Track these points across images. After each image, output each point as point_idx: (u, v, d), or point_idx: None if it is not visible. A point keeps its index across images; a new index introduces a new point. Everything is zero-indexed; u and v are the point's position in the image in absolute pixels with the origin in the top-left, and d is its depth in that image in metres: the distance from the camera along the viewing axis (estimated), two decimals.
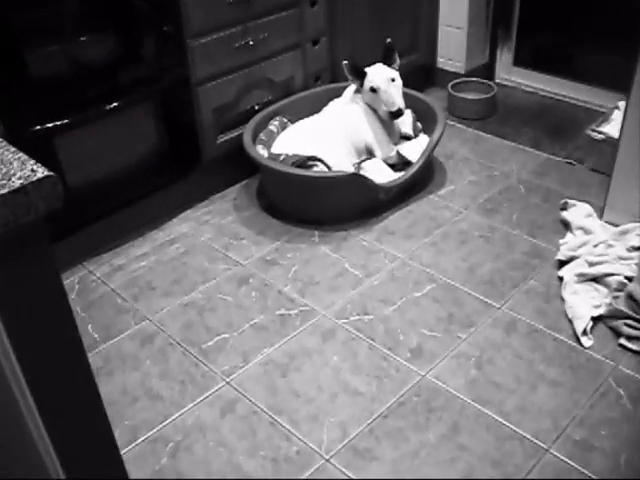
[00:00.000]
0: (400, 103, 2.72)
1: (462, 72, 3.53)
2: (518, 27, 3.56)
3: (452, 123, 3.35)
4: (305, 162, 2.51)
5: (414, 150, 2.75)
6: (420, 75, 3.56)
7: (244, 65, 2.68)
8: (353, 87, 2.84)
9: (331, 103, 2.88)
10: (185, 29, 2.44)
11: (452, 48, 3.51)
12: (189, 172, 2.70)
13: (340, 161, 2.63)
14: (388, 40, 2.78)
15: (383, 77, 2.71)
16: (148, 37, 2.40)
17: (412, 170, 2.65)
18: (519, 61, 3.63)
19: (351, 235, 2.59)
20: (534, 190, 2.81)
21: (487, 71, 3.66)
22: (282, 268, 2.45)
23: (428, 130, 2.90)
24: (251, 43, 2.64)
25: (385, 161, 2.78)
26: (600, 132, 2.82)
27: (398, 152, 2.76)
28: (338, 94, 2.91)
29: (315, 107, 2.88)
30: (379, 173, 2.69)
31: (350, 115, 2.77)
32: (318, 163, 2.52)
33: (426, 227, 2.62)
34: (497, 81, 3.68)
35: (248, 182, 2.91)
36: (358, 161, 2.74)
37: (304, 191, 2.57)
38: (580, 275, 2.26)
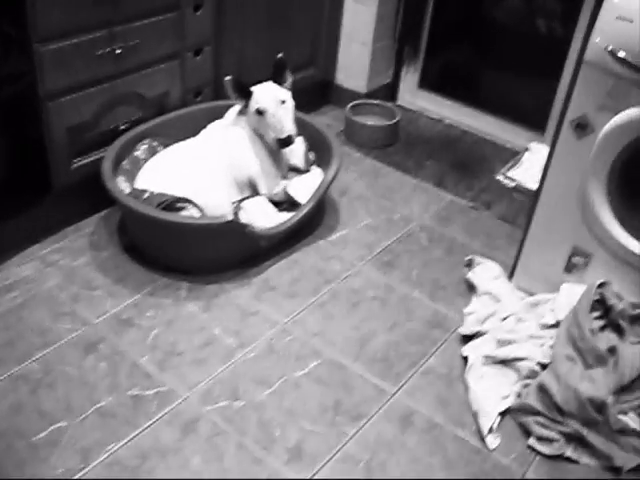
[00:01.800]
0: (291, 129, 2.34)
1: (363, 92, 3.19)
2: (427, 46, 3.25)
3: (348, 150, 3.00)
4: (173, 203, 2.09)
5: (304, 188, 2.38)
6: (316, 91, 3.20)
7: (108, 77, 2.23)
8: (237, 108, 2.44)
9: (211, 125, 2.47)
10: (32, 31, 1.97)
11: (354, 65, 3.16)
12: (35, 202, 2.23)
13: (216, 201, 2.24)
14: (279, 55, 2.40)
15: (272, 98, 2.33)
16: None
17: (299, 214, 2.29)
18: (425, 84, 3.33)
19: (225, 290, 2.20)
20: (437, 240, 2.51)
21: (390, 92, 3.34)
22: (140, 331, 2.04)
23: (322, 162, 2.54)
24: (118, 51, 2.20)
25: (270, 198, 2.39)
26: (510, 178, 2.54)
27: (285, 191, 2.38)
28: (221, 114, 2.50)
29: (193, 128, 2.47)
30: (262, 215, 2.32)
31: (232, 141, 2.38)
32: (188, 205, 2.11)
33: (313, 283, 2.26)
34: (399, 103, 3.37)
35: (109, 213, 2.47)
36: (239, 199, 2.34)
37: (171, 237, 2.16)
38: (487, 357, 1.97)
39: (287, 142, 2.34)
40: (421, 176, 2.84)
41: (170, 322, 2.07)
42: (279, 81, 2.41)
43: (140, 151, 2.33)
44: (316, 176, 2.48)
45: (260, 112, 2.33)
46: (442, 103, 3.28)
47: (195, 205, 2.13)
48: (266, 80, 2.42)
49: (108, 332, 2.02)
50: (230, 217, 2.13)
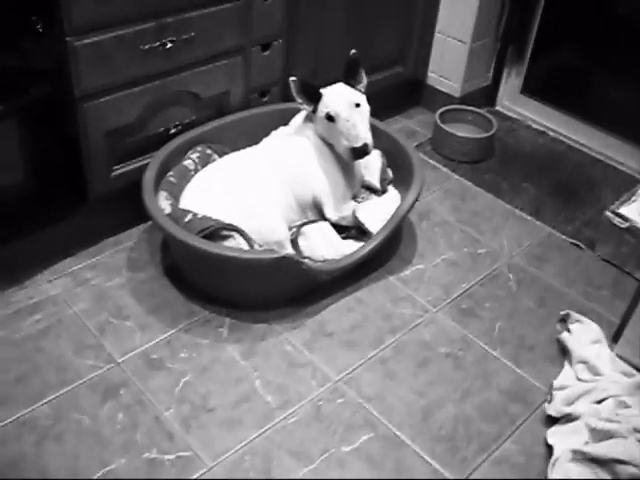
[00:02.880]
0: (367, 137, 2.00)
1: (457, 95, 2.80)
2: (534, 45, 2.82)
3: (434, 163, 2.63)
4: (218, 230, 1.79)
5: (376, 215, 2.04)
6: (404, 92, 2.84)
7: (157, 74, 1.95)
8: (304, 113, 2.11)
9: (274, 132, 2.16)
10: (65, 22, 1.69)
11: (448, 64, 2.77)
12: (70, 213, 1.98)
13: (272, 225, 1.93)
14: (353, 52, 2.05)
15: (344, 101, 1.99)
16: (9, 32, 1.64)
17: (368, 247, 1.96)
18: (529, 89, 2.91)
19: (273, 332, 1.90)
20: (527, 284, 2.12)
21: (487, 96, 2.93)
22: (169, 376, 1.76)
23: (400, 182, 2.20)
24: (169, 45, 1.90)
25: (336, 222, 2.06)
26: (623, 217, 2.12)
27: (355, 215, 2.04)
28: (290, 118, 2.19)
29: (255, 134, 2.17)
30: (324, 244, 1.99)
31: (296, 153, 2.06)
32: (235, 234, 1.80)
33: (376, 331, 1.93)
34: (498, 109, 2.96)
35: (154, 225, 2.18)
36: (299, 223, 2.02)
37: (214, 268, 1.86)
38: (577, 452, 1.60)
39: (363, 152, 1.99)
40: (516, 202, 2.45)
41: (205, 368, 1.78)
42: (352, 82, 2.07)
43: (190, 160, 2.03)
44: (392, 200, 2.13)
45: (331, 117, 1.99)
46: (547, 112, 2.85)
47: (242, 234, 1.82)
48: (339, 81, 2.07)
49: (133, 374, 1.75)
50: (284, 251, 1.81)
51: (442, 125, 2.62)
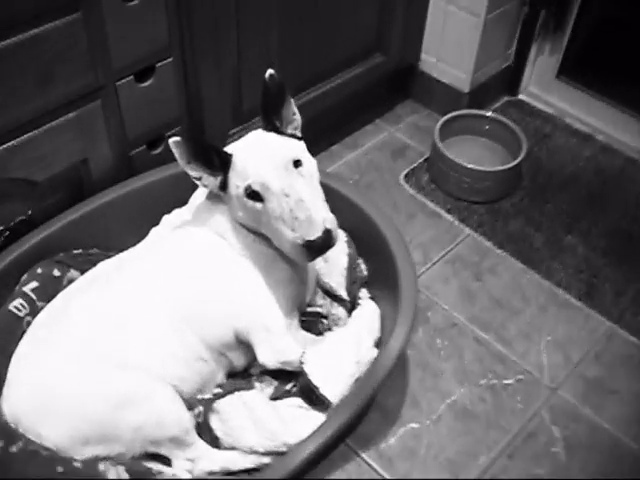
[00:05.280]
0: (326, 217, 1.14)
1: (465, 89, 1.91)
2: (579, 11, 1.90)
3: (433, 207, 1.77)
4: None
5: (338, 370, 1.22)
6: (387, 84, 1.95)
7: None
8: (202, 191, 1.27)
9: (165, 220, 1.32)
10: None
11: (452, 45, 1.88)
12: None
13: (159, 416, 1.13)
14: (269, 73, 1.17)
15: (273, 162, 1.15)
16: None
17: (326, 432, 1.15)
18: (568, 71, 2.00)
19: None
20: (584, 450, 1.33)
21: (507, 81, 2.04)
22: None
23: (377, 281, 1.37)
24: None
25: (273, 371, 1.25)
26: None
27: (304, 372, 1.21)
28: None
29: (146, 216, 1.31)
30: (252, 427, 1.20)
31: (197, 260, 1.25)
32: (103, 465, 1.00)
33: None
34: (522, 98, 2.07)
35: None
36: (210, 395, 1.22)
37: None
38: None
39: (324, 245, 1.13)
40: (556, 274, 1.62)
41: None
42: (277, 125, 1.22)
43: (19, 301, 1.19)
44: (363, 332, 1.29)
45: (255, 195, 1.15)
46: (594, 105, 1.97)
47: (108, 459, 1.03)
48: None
49: None
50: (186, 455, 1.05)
51: (445, 152, 1.74)
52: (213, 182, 1.20)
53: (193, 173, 1.19)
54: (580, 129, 1.99)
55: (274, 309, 1.24)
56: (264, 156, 1.16)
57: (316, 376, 1.22)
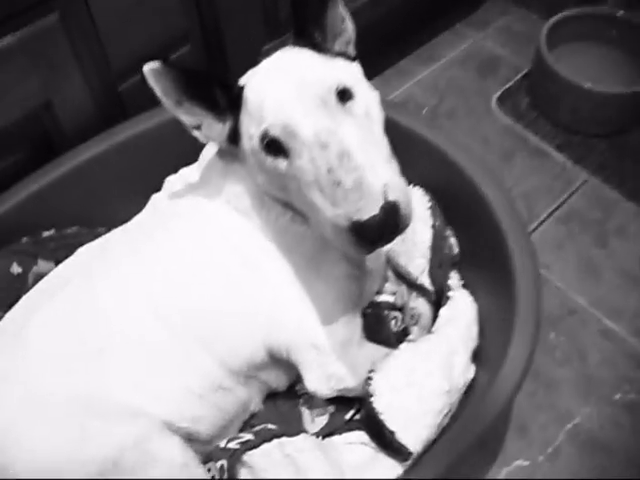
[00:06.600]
0: (388, 179, 0.69)
1: None
2: None
3: (538, 143, 1.34)
4: None
5: (416, 408, 0.86)
6: None
7: None
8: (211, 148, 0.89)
9: (167, 186, 0.94)
10: None
11: None
12: None
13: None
14: None
15: (302, 95, 0.73)
16: None
17: None
18: None
19: None
20: None
21: None
22: None
23: (474, 256, 0.99)
24: None
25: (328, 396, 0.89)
26: None
27: (371, 407, 0.84)
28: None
29: (136, 188, 0.92)
30: None
31: (219, 258, 0.86)
32: None
33: None
34: None
35: None
36: (236, 445, 0.85)
37: None
38: None
39: (384, 230, 0.68)
40: None
41: None
42: (315, 38, 0.81)
43: None
44: (459, 329, 0.92)
45: (274, 146, 0.75)
46: None
47: None
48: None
49: None
50: None
51: (554, 65, 1.28)
52: (218, 132, 0.82)
53: (187, 119, 0.80)
54: None
55: (324, 319, 0.86)
56: (290, 85, 0.74)
57: (390, 416, 0.84)
